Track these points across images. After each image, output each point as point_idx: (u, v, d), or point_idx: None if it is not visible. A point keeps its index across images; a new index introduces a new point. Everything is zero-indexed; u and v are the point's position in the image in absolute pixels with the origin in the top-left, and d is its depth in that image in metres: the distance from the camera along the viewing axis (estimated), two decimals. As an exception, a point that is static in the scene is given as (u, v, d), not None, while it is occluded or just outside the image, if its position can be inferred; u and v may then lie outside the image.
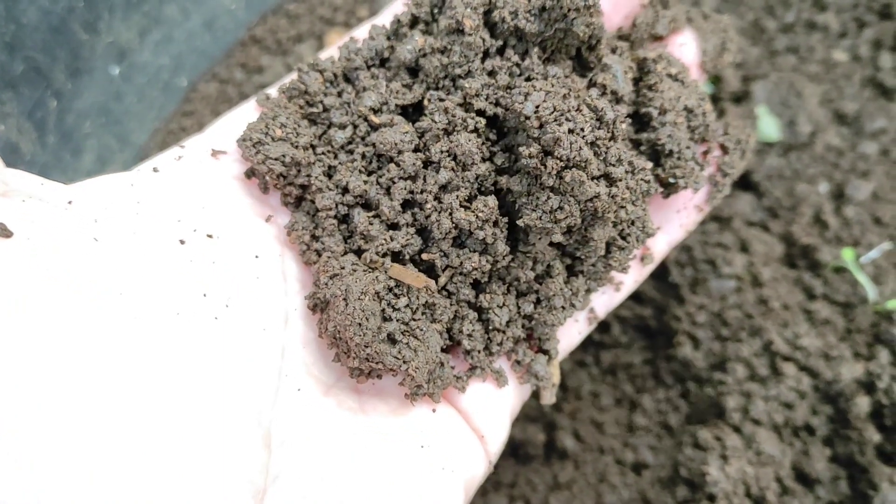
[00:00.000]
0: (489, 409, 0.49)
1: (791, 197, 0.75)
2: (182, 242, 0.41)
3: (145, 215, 0.41)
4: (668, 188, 0.50)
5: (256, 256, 0.44)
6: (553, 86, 0.43)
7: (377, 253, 0.44)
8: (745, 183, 0.78)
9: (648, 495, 0.67)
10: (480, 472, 0.48)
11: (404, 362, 0.42)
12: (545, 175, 0.41)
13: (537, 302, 0.48)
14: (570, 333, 0.53)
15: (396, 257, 0.46)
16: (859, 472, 0.61)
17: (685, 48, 0.56)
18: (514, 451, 0.73)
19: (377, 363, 0.42)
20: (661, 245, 0.55)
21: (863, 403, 0.62)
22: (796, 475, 0.63)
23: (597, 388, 0.74)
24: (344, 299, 0.41)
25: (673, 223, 0.55)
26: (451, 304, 0.47)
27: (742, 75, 0.83)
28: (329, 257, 0.44)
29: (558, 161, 0.41)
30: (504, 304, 0.47)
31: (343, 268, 0.43)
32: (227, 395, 0.38)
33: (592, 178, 0.41)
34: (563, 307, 0.48)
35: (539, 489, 0.70)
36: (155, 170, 0.45)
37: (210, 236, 0.43)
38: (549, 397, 0.51)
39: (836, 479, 0.62)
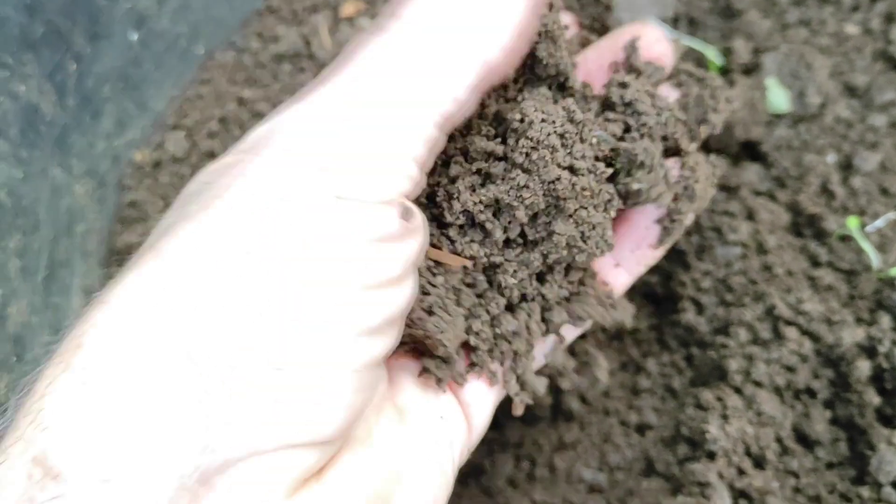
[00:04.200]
0: (480, 403, 0.51)
1: (799, 167, 0.76)
2: None
3: None
4: (632, 197, 0.51)
5: None
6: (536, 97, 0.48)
7: None
8: (753, 153, 0.79)
9: (651, 454, 0.68)
10: (463, 458, 0.50)
11: (440, 332, 0.45)
12: (517, 153, 0.44)
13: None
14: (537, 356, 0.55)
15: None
16: (858, 434, 0.62)
17: None
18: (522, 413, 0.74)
19: (417, 329, 0.44)
20: (622, 279, 0.57)
21: (864, 367, 0.62)
22: (796, 436, 0.64)
23: (603, 352, 0.75)
24: None
25: (630, 261, 0.57)
26: (471, 294, 0.49)
27: (753, 47, 0.83)
28: None
29: (528, 141, 0.44)
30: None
31: None
32: None
33: (557, 165, 0.45)
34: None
35: (545, 449, 0.72)
36: None
37: None
38: (520, 410, 0.54)
39: (836, 441, 0.63)
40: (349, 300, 0.35)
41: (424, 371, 0.48)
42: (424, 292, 0.45)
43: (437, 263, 0.47)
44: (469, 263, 0.47)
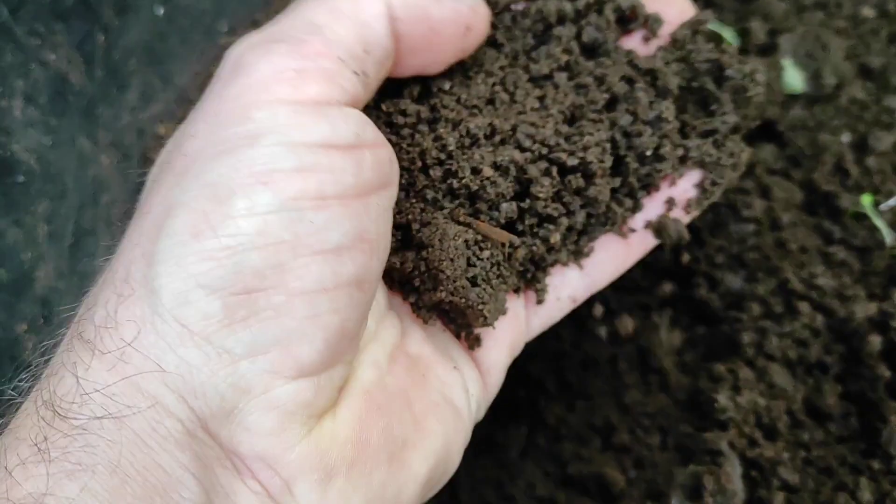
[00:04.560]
0: (493, 362, 0.52)
1: (813, 146, 0.77)
2: None
3: None
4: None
5: None
6: None
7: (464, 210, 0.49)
8: (768, 133, 0.80)
9: (663, 425, 0.69)
10: (480, 413, 0.51)
11: (482, 303, 0.46)
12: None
13: None
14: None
15: (476, 216, 0.50)
16: (869, 408, 0.63)
17: None
18: (534, 385, 0.75)
19: (461, 298, 0.45)
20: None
21: (875, 342, 0.63)
22: (808, 410, 0.65)
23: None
24: (440, 239, 0.45)
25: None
26: (513, 273, 0.51)
27: (769, 28, 0.84)
28: (422, 208, 0.49)
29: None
30: None
31: (436, 218, 0.48)
32: None
33: None
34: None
35: (557, 422, 0.73)
36: None
37: None
38: None
39: (847, 415, 0.64)
40: (303, 216, 0.33)
41: (464, 330, 0.50)
42: (470, 264, 0.46)
43: (485, 238, 0.48)
44: (516, 240, 0.49)
